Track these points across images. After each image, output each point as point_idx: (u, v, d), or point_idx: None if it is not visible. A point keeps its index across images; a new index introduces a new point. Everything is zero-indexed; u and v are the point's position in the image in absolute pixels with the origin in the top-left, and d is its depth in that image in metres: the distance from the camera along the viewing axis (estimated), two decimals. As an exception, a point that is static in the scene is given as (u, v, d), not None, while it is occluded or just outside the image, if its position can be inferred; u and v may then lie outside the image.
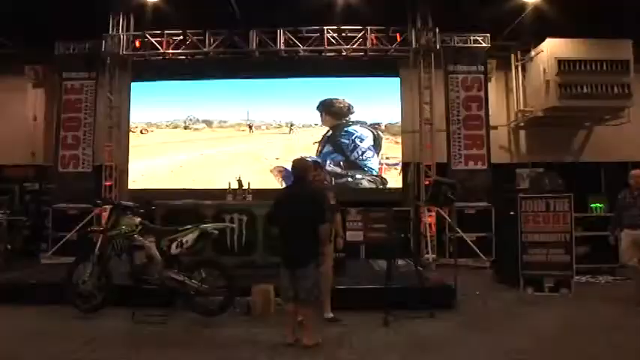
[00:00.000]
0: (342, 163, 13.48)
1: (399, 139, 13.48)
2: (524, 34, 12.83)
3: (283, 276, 5.90)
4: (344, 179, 13.36)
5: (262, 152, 13.68)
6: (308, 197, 6.02)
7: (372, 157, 13.49)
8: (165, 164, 13.69)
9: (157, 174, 13.58)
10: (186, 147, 13.78)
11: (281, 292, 6.17)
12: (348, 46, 12.82)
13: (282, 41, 12.80)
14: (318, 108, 13.59)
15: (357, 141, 13.48)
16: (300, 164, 6.31)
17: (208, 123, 13.95)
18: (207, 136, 13.87)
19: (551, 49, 12.40)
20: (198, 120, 13.94)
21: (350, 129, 13.54)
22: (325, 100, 13.57)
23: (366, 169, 13.45)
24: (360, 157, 13.47)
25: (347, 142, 13.52)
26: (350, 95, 13.53)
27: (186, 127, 13.95)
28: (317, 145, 13.59)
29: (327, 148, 13.56)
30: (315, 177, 6.59)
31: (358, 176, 13.44)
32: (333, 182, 12.77)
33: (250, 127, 13.83)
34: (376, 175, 13.44)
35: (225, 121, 13.96)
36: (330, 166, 13.35)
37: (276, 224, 6.15)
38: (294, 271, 5.80)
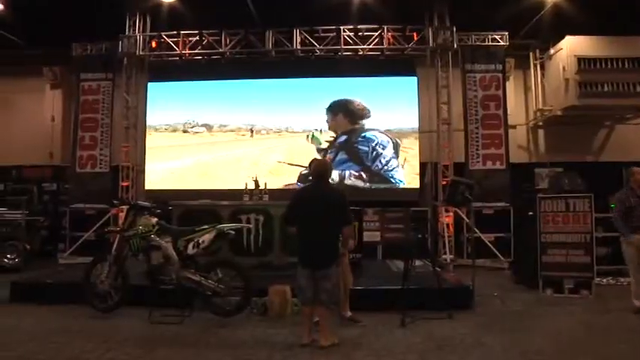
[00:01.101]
0: (363, 174, 13.00)
1: (415, 148, 13.22)
2: (543, 31, 12.71)
3: (301, 276, 5.87)
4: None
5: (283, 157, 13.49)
6: (330, 197, 6.00)
7: (398, 166, 13.05)
8: (181, 166, 13.72)
9: (173, 175, 13.64)
10: (207, 149, 13.79)
11: (298, 293, 6.17)
12: (365, 46, 12.83)
13: (298, 41, 12.84)
14: (330, 109, 13.24)
15: (379, 148, 13.03)
16: (320, 164, 6.35)
17: (223, 126, 13.91)
18: (227, 139, 13.86)
19: (571, 46, 12.28)
20: (203, 126, 13.88)
21: (369, 135, 13.11)
22: (340, 101, 13.33)
23: (393, 180, 13.07)
24: (385, 168, 13.00)
25: (366, 149, 13.05)
26: (366, 97, 13.36)
27: (211, 130, 13.88)
28: (322, 152, 13.04)
29: (342, 155, 13.10)
30: None
31: (382, 187, 13.01)
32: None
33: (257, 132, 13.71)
34: (404, 189, 13.05)
35: (252, 125, 13.78)
36: (350, 179, 12.90)
37: (294, 224, 6.09)
38: (315, 272, 5.77)
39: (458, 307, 7.24)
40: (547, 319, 7.15)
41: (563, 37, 12.44)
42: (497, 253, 11.60)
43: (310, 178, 6.52)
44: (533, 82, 13.98)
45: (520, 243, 10.92)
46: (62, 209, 13.33)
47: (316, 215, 5.83)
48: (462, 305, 7.43)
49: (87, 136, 13.18)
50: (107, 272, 7.21)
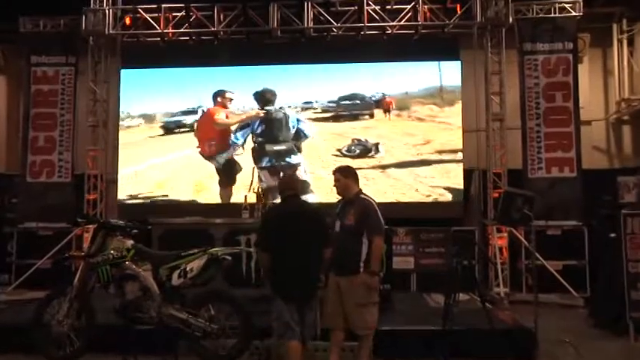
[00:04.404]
0: None
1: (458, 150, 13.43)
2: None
3: (282, 311, 6.12)
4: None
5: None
6: (310, 215, 6.44)
7: None
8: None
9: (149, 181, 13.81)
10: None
11: (282, 332, 6.23)
12: (394, 23, 12.82)
13: (309, 17, 12.79)
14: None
15: None
16: (289, 179, 6.65)
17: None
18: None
19: (677, 11, 11.96)
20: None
21: None
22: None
23: None
24: None
25: None
26: (395, 87, 13.58)
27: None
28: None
29: None
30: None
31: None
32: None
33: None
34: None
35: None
36: None
37: (268, 250, 6.34)
38: (303, 306, 6.13)
39: (516, 356, 7.28)
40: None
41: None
42: (568, 286, 11.54)
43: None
44: (617, 64, 13.84)
45: (599, 273, 10.87)
46: (7, 230, 13.28)
47: (299, 238, 6.16)
48: (522, 353, 7.47)
49: (41, 137, 13.26)
50: (67, 310, 7.23)
